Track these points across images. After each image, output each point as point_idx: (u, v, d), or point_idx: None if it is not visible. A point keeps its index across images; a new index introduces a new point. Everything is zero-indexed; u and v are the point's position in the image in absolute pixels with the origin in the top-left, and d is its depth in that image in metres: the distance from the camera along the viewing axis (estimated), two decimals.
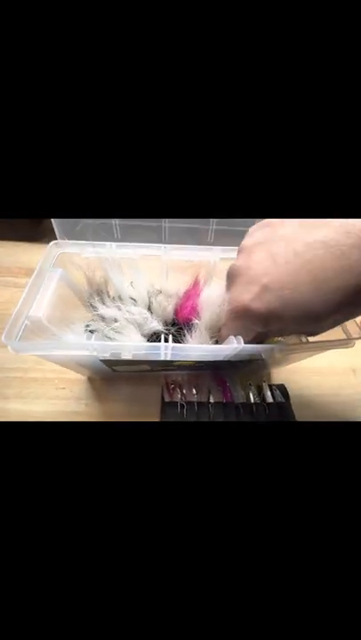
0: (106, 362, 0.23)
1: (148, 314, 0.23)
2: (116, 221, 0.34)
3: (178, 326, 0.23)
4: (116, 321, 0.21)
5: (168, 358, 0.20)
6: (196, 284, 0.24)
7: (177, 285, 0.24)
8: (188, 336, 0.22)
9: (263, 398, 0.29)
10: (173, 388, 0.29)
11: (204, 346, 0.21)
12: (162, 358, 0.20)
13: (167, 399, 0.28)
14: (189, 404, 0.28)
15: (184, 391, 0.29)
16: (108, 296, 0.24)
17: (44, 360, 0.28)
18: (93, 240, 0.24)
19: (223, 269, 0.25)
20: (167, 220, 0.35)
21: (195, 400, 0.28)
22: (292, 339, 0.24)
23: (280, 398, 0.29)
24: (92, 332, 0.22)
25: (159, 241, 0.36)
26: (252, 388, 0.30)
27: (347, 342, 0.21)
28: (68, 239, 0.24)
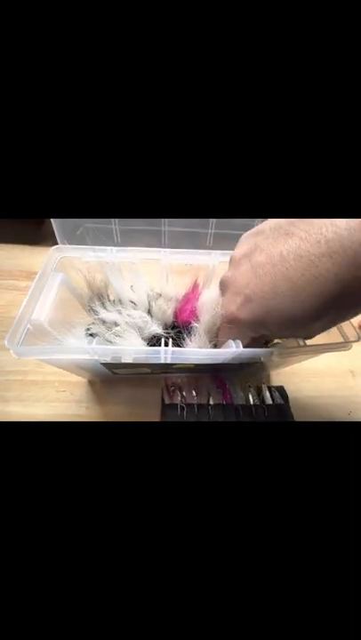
0: (107, 365, 0.23)
1: (148, 317, 0.23)
2: (116, 226, 0.34)
3: (177, 329, 0.23)
4: (116, 325, 0.22)
5: (168, 362, 0.21)
6: (195, 287, 0.25)
7: (176, 289, 0.25)
8: (187, 339, 0.22)
9: (262, 400, 0.29)
10: (173, 391, 0.30)
11: (204, 350, 0.21)
12: (162, 362, 0.21)
13: (167, 401, 0.29)
14: (189, 406, 0.28)
15: (184, 393, 0.29)
16: (109, 300, 0.24)
17: (44, 363, 0.28)
18: (94, 244, 0.25)
19: (222, 273, 0.26)
20: (166, 224, 0.35)
21: (195, 402, 0.28)
22: (291, 342, 0.24)
23: (279, 400, 0.29)
24: (92, 335, 0.22)
25: (159, 245, 0.36)
26: (252, 389, 0.30)
27: (344, 345, 0.22)
28: (69, 243, 0.24)
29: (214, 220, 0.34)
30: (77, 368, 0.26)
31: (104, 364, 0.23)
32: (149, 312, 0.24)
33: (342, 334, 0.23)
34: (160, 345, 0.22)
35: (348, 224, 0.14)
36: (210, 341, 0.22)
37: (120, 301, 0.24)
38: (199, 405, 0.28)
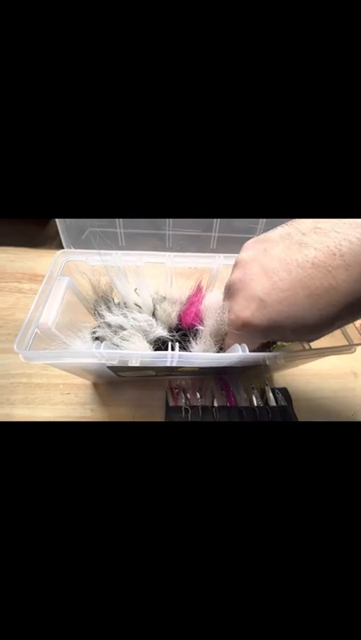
0: (112, 368, 0.23)
1: (153, 320, 0.23)
2: (120, 229, 0.35)
3: (182, 332, 0.24)
4: (122, 328, 0.22)
5: (174, 365, 0.21)
6: (199, 290, 0.25)
7: (181, 292, 0.25)
8: (192, 342, 0.22)
9: (266, 402, 0.29)
10: (178, 393, 0.30)
11: (210, 354, 0.21)
12: (168, 365, 0.21)
13: (172, 404, 0.29)
14: (194, 408, 0.28)
15: (188, 395, 0.29)
16: (114, 303, 0.24)
17: (49, 366, 0.28)
18: (99, 248, 0.25)
19: (226, 276, 0.26)
20: (171, 227, 0.35)
21: (199, 404, 0.28)
22: (295, 345, 0.24)
23: (282, 402, 0.29)
24: (98, 338, 0.22)
25: (163, 248, 0.37)
26: (255, 391, 0.30)
27: (348, 348, 0.22)
28: (75, 247, 0.24)
29: (218, 223, 0.35)
30: (83, 371, 0.27)
31: (110, 367, 0.23)
32: (154, 315, 0.24)
33: (346, 337, 0.23)
34: (165, 347, 0.22)
35: (359, 239, 0.15)
36: (215, 344, 0.22)
37: (125, 304, 0.24)
38: (203, 408, 0.28)
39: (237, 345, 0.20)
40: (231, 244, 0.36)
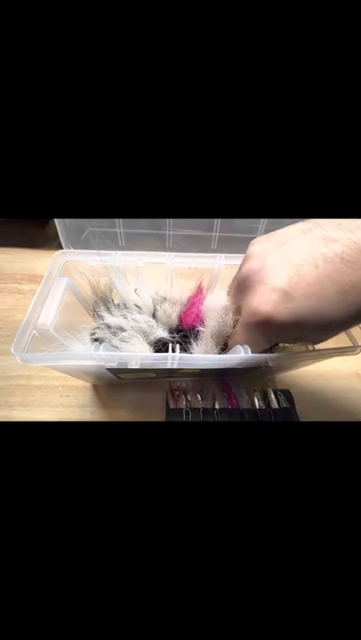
0: (112, 370, 0.23)
1: (153, 321, 0.23)
2: (120, 229, 0.34)
3: (183, 333, 0.23)
4: (121, 329, 0.21)
5: (175, 367, 0.20)
6: (199, 290, 0.25)
7: (181, 292, 0.25)
8: (193, 343, 0.22)
9: (268, 404, 0.29)
10: (178, 395, 0.29)
11: (211, 355, 0.21)
12: (168, 367, 0.20)
13: (172, 406, 0.28)
14: (194, 410, 0.27)
15: (189, 397, 0.29)
16: (114, 304, 0.24)
17: (48, 368, 0.28)
18: (98, 248, 0.24)
19: (227, 276, 0.25)
20: (171, 227, 0.35)
21: (200, 407, 0.28)
22: (298, 346, 0.24)
23: (285, 403, 0.29)
24: (97, 340, 0.22)
25: (163, 248, 0.36)
26: (257, 393, 0.30)
27: (353, 349, 0.21)
28: (74, 247, 0.24)
29: (219, 223, 0.34)
30: (82, 373, 0.26)
31: (109, 369, 0.23)
32: (154, 316, 0.24)
33: (351, 338, 0.22)
34: (166, 349, 0.22)
35: None
36: (216, 345, 0.22)
37: (125, 305, 0.24)
38: (204, 410, 0.28)
39: (240, 346, 0.19)
40: (232, 244, 0.36)
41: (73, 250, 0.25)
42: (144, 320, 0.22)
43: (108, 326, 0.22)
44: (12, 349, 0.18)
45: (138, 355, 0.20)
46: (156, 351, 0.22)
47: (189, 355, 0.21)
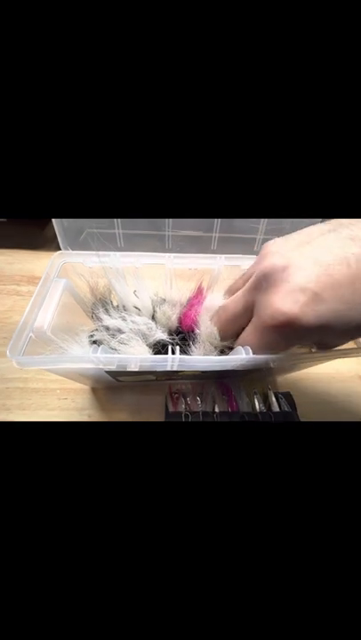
0: (111, 373, 0.23)
1: (152, 323, 0.22)
2: (119, 230, 0.34)
3: (182, 335, 0.23)
4: (120, 331, 0.21)
5: (175, 369, 0.20)
6: (199, 292, 0.24)
7: (181, 294, 0.24)
8: (192, 345, 0.22)
9: (269, 407, 0.29)
10: (177, 398, 0.29)
11: (212, 357, 0.21)
12: (168, 369, 0.20)
13: (171, 409, 0.28)
14: (194, 414, 0.27)
15: (188, 401, 0.29)
16: (112, 306, 0.24)
17: (46, 371, 0.27)
18: (97, 249, 0.24)
19: (227, 277, 0.25)
20: (170, 228, 0.35)
21: (200, 410, 0.28)
22: (301, 348, 0.23)
23: (286, 407, 0.29)
24: (95, 342, 0.22)
25: (162, 249, 0.36)
26: (258, 395, 0.29)
27: (357, 351, 0.21)
28: (72, 249, 0.24)
29: (219, 223, 0.34)
30: (80, 376, 0.26)
31: (108, 372, 0.22)
32: (154, 318, 0.23)
33: (355, 340, 0.22)
34: (165, 351, 0.22)
35: None
36: (215, 348, 0.22)
37: (124, 307, 0.24)
38: (204, 413, 0.27)
39: (240, 347, 0.19)
40: (232, 245, 0.35)
41: (71, 251, 0.24)
42: (143, 322, 0.22)
43: (107, 328, 0.22)
44: (7, 353, 0.17)
45: (137, 357, 0.20)
46: (155, 353, 0.22)
47: (189, 356, 0.20)
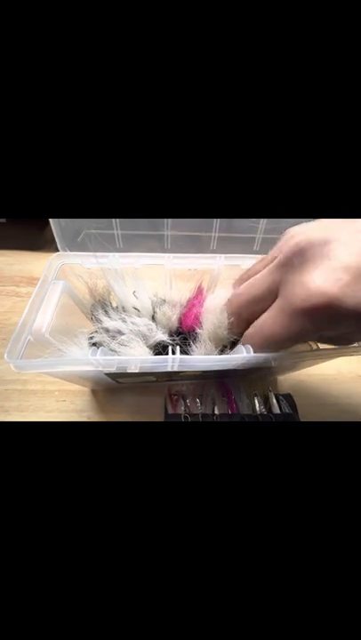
0: (110, 375, 0.22)
1: (152, 324, 0.22)
2: (118, 231, 0.34)
3: (182, 335, 0.23)
4: (120, 333, 0.21)
5: (175, 370, 0.20)
6: (199, 292, 0.24)
7: (180, 294, 0.24)
8: (193, 346, 0.21)
9: (269, 409, 0.28)
10: (177, 400, 0.29)
11: (212, 357, 0.20)
12: (168, 370, 0.20)
13: (170, 411, 0.28)
14: (193, 416, 0.27)
15: (188, 402, 0.28)
16: (112, 307, 0.23)
17: (44, 374, 0.27)
18: (95, 250, 0.24)
19: (227, 277, 0.25)
20: (169, 228, 0.34)
21: (199, 412, 0.27)
22: (302, 346, 0.23)
23: (287, 409, 0.28)
24: (95, 344, 0.21)
25: (162, 250, 0.36)
26: (258, 397, 0.29)
27: (358, 349, 0.21)
28: (70, 250, 0.24)
29: (218, 223, 0.34)
30: (79, 378, 0.26)
31: (108, 374, 0.22)
32: (153, 319, 0.23)
33: None
34: (165, 352, 0.21)
35: None
36: (216, 347, 0.21)
37: (123, 308, 0.23)
38: (204, 415, 0.27)
39: (241, 346, 0.19)
40: (232, 245, 0.35)
41: (69, 252, 0.24)
42: (143, 323, 0.22)
43: (107, 330, 0.21)
44: (5, 356, 0.17)
45: (137, 358, 0.20)
46: (155, 354, 0.21)
47: (190, 357, 0.20)
